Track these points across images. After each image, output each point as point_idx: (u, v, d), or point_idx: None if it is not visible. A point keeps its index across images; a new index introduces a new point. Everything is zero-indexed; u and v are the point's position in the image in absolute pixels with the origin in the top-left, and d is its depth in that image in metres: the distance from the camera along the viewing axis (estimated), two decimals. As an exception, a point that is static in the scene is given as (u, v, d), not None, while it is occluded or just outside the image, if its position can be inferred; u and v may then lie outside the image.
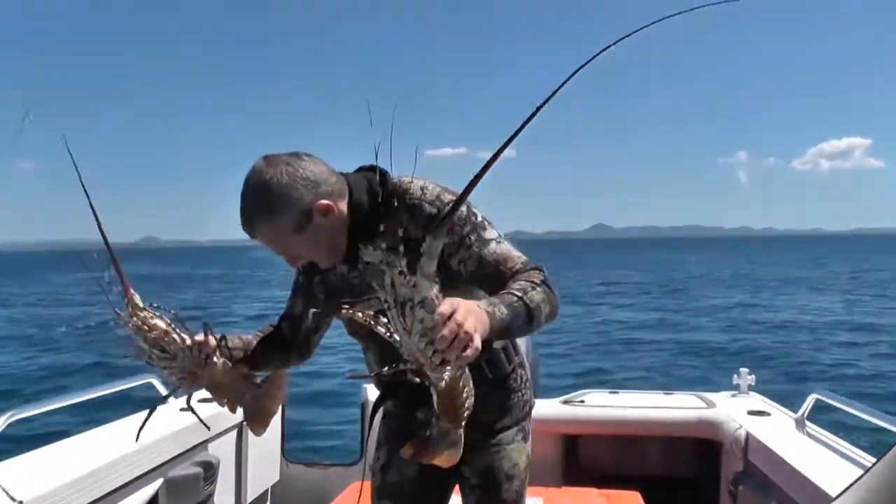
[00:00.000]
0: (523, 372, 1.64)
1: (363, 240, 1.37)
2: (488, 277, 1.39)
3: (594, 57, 0.97)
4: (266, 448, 3.26)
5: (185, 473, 2.53)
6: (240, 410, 1.47)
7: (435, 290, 1.05)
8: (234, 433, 3.01)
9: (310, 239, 1.40)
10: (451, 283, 1.31)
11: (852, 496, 1.25)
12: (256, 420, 1.50)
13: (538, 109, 0.96)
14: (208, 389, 1.43)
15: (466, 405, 1.21)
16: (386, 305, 1.05)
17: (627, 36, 0.99)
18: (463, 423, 1.24)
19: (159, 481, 2.41)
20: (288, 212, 1.36)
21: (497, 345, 1.53)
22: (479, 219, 1.43)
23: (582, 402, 3.04)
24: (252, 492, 3.14)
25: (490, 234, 1.42)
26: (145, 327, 1.32)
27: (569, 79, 0.97)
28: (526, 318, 1.27)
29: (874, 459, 1.28)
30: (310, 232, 1.38)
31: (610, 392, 3.21)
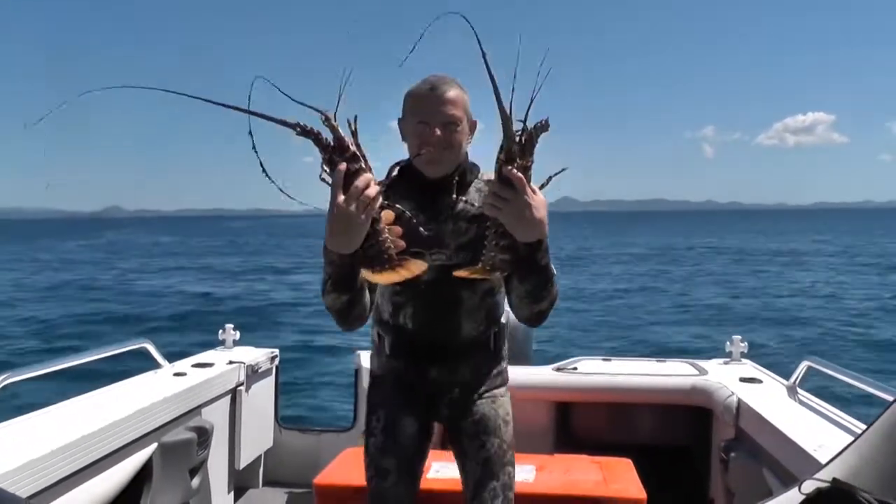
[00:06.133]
0: (506, 346, 1.96)
1: (447, 193, 1.66)
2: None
3: None
4: (259, 414, 3.27)
5: (178, 438, 2.54)
6: None
7: None
8: (227, 399, 3.01)
9: (462, 128, 1.68)
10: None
11: (843, 463, 1.25)
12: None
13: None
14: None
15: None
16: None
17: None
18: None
19: (153, 446, 2.42)
20: (465, 97, 1.70)
21: (496, 325, 1.86)
22: None
23: (575, 369, 3.05)
24: (245, 457, 3.16)
25: None
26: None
27: None
28: (548, 276, 1.56)
29: (865, 426, 1.29)
30: (464, 123, 1.69)
31: (603, 359, 3.22)
